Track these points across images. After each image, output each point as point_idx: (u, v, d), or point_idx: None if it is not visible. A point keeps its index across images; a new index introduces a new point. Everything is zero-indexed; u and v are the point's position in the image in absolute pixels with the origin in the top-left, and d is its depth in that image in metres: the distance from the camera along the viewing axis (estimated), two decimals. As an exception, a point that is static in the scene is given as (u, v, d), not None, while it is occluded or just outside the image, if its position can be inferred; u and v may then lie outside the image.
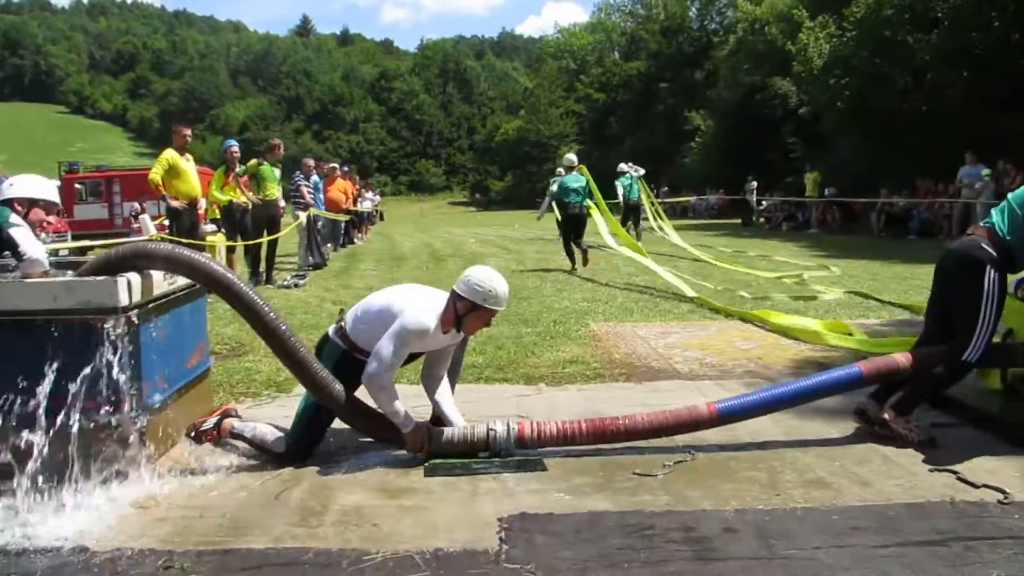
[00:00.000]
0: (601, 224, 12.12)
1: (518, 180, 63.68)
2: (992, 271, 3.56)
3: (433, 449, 3.57)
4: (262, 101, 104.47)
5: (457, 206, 73.76)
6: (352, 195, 18.00)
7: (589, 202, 11.67)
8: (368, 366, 3.48)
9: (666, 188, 38.15)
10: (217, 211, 10.70)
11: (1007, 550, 2.65)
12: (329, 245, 15.43)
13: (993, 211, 3.77)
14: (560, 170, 12.65)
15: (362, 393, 3.63)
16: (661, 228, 15.96)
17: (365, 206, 21.14)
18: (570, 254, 11.29)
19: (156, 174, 8.68)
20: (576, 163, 12.18)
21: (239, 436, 3.76)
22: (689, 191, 34.56)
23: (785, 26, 26.76)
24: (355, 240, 18.66)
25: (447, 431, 3.61)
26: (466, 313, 3.55)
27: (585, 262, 11.10)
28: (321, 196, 14.09)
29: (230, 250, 10.44)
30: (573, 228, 11.39)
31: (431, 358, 3.80)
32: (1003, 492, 3.09)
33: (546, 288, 9.36)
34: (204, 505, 3.16)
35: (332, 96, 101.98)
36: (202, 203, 9.63)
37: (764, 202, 24.97)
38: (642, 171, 16.32)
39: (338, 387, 3.53)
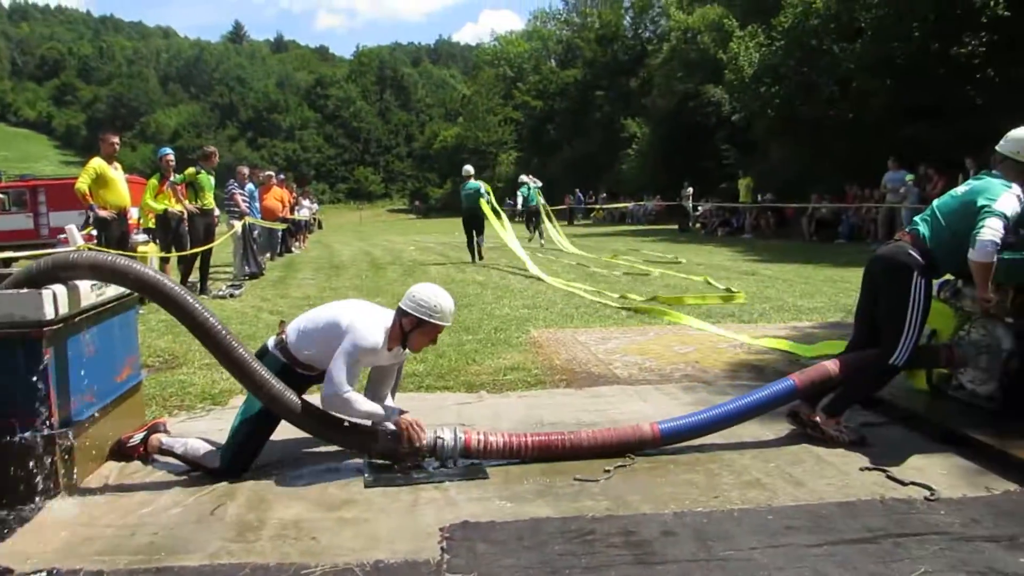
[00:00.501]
0: (503, 232, 13.98)
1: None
2: (919, 276, 3.69)
3: (380, 449, 3.55)
4: (194, 108, 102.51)
5: (396, 213, 73.35)
6: (289, 203, 17.75)
7: (484, 204, 13.80)
8: (325, 389, 3.45)
9: (604, 194, 38.61)
10: (151, 220, 10.42)
11: (934, 546, 2.73)
12: (267, 254, 15.19)
13: (917, 218, 3.91)
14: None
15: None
16: (543, 233, 18.37)
17: (302, 214, 20.87)
18: (471, 249, 13.88)
19: (83, 183, 8.41)
20: (471, 172, 14.49)
21: (168, 452, 3.66)
22: (627, 197, 34.99)
23: (716, 35, 27.33)
24: (293, 249, 18.39)
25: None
26: (412, 329, 3.55)
27: (480, 256, 13.80)
28: (256, 205, 13.83)
29: (164, 261, 10.20)
30: (471, 226, 13.85)
31: (375, 376, 3.77)
32: (930, 489, 3.19)
33: (487, 295, 9.35)
34: (135, 523, 3.06)
35: (267, 103, 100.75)
36: (132, 213, 9.37)
37: (700, 208, 25.42)
38: (539, 183, 19.07)
39: (279, 386, 3.46)
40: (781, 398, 3.84)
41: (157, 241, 10.45)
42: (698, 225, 24.81)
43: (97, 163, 8.53)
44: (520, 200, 18.43)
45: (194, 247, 10.03)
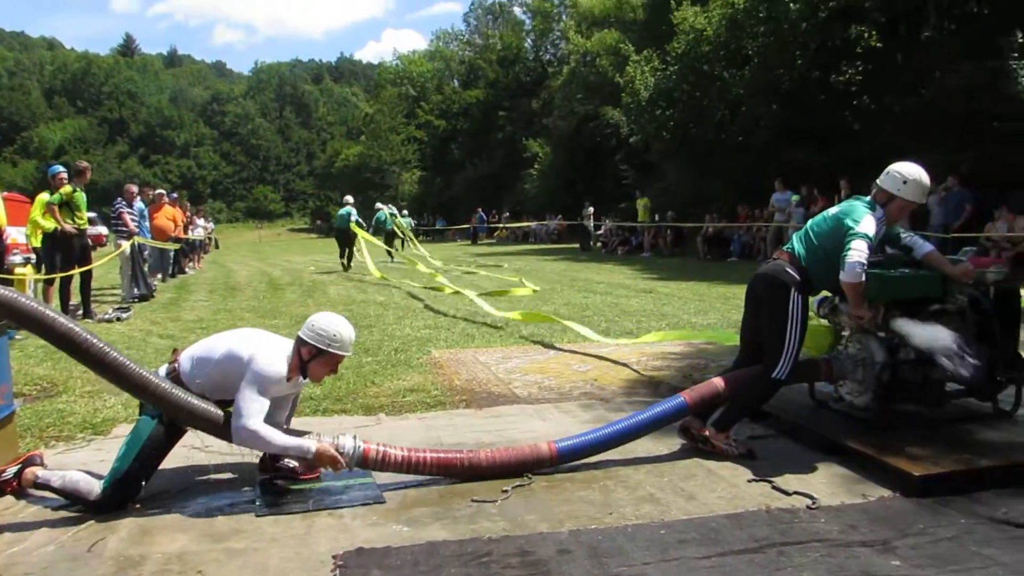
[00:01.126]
0: (367, 255, 16.85)
1: (361, 206, 63.07)
2: (796, 293, 3.86)
3: (272, 450, 3.47)
4: (81, 123, 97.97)
5: (297, 233, 72.08)
6: (182, 222, 17.19)
7: (354, 226, 17.33)
8: (234, 423, 3.32)
9: (507, 213, 38.97)
10: (38, 239, 9.83)
11: (815, 552, 2.84)
12: (158, 275, 14.65)
13: (794, 237, 4.10)
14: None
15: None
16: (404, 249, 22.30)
17: (197, 233, 20.24)
18: (342, 259, 17.64)
19: None
20: (350, 201, 18.15)
21: (45, 486, 3.46)
22: (530, 216, 35.38)
23: (614, 59, 28.02)
24: (187, 269, 17.79)
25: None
26: (311, 359, 3.50)
27: (347, 268, 17.15)
28: (146, 224, 13.31)
29: (48, 283, 9.70)
30: (341, 243, 17.81)
31: (272, 404, 3.67)
32: (811, 498, 3.33)
33: (388, 316, 9.26)
34: (5, 563, 2.88)
35: (160, 119, 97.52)
36: (9, 233, 8.86)
37: (600, 227, 25.92)
38: (394, 209, 23.81)
39: (165, 384, 3.36)
40: (673, 414, 3.94)
41: (42, 263, 9.95)
42: (599, 244, 25.28)
43: None
44: (373, 223, 21.63)
45: (71, 269, 9.56)
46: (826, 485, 3.51)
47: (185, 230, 17.81)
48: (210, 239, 27.48)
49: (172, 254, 15.87)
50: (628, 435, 3.87)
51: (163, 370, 3.56)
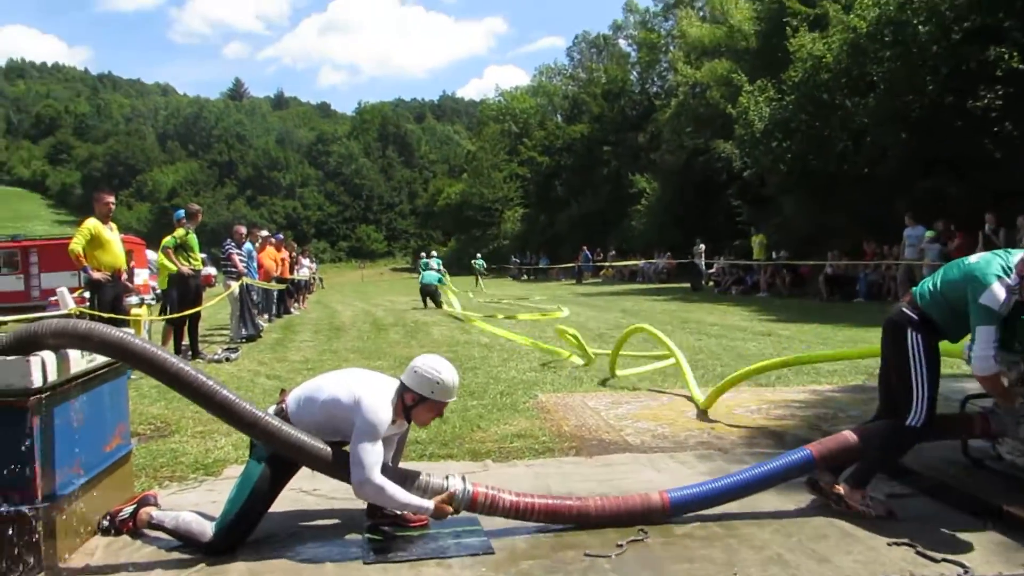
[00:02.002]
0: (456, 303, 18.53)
1: (463, 245, 64.06)
2: (913, 332, 3.68)
3: (393, 507, 3.54)
4: (192, 166, 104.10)
5: (399, 272, 73.88)
6: (287, 263, 17.91)
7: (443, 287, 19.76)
8: (356, 476, 3.40)
9: (613, 252, 38.81)
10: (164, 281, 10.68)
11: (970, 626, 2.65)
12: (264, 316, 15.23)
13: (924, 279, 3.91)
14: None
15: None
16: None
17: (302, 274, 20.98)
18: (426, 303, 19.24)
19: (77, 244, 8.39)
20: (435, 265, 21.50)
21: (159, 526, 3.60)
22: (637, 254, 35.12)
23: (725, 90, 27.71)
24: (292, 310, 18.44)
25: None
26: (415, 405, 3.57)
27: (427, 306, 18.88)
28: (254, 264, 13.95)
29: (170, 323, 10.33)
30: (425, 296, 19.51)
31: None
32: (963, 567, 3.11)
33: (493, 358, 9.33)
34: (121, 605, 3.00)
35: (267, 160, 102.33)
36: (129, 274, 9.48)
37: (712, 265, 25.47)
38: (438, 261, 24.20)
39: (274, 421, 3.45)
40: (799, 468, 3.78)
41: (163, 304, 10.69)
42: (711, 283, 24.83)
43: (92, 223, 8.52)
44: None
45: (186, 309, 10.13)
46: (980, 553, 3.28)
47: (291, 270, 18.51)
48: (315, 279, 28.46)
49: (276, 294, 16.52)
50: (747, 488, 3.73)
51: (271, 410, 3.67)
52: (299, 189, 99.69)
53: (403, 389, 3.57)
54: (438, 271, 21.50)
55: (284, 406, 3.64)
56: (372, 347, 10.77)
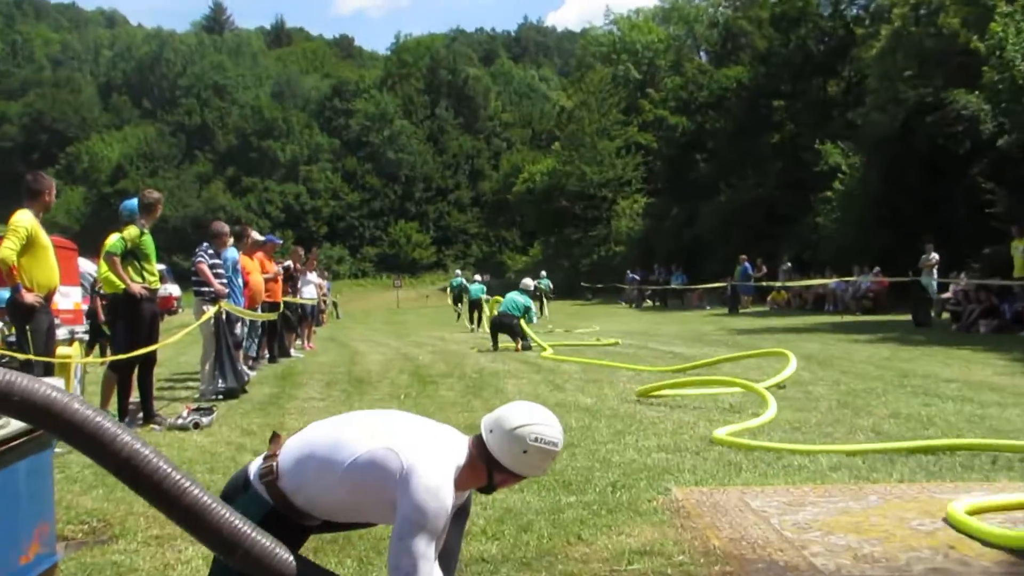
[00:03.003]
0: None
1: (553, 252, 64.25)
2: None
3: None
4: (148, 132, 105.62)
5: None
6: (291, 275, 18.14)
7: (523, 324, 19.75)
8: (398, 569, 3.41)
9: (787, 264, 38.24)
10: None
11: None
12: (250, 359, 15.38)
13: None
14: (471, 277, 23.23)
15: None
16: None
17: (307, 295, 21.24)
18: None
19: (11, 250, 8.35)
20: (530, 286, 21.57)
21: None
22: (826, 269, 34.53)
23: (968, 11, 27.18)
24: (292, 350, 18.66)
25: None
26: (500, 481, 3.72)
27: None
28: (239, 281, 14.05)
29: (113, 369, 10.34)
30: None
31: None
32: None
33: (600, 428, 9.25)
34: None
35: (258, 124, 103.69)
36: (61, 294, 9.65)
37: (948, 287, 24.88)
38: (468, 278, 29.14)
39: (266, 541, 3.39)
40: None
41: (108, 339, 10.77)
42: (946, 315, 24.27)
43: (29, 221, 8.52)
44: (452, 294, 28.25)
45: (135, 347, 10.15)
46: None
47: (292, 289, 18.74)
48: (326, 303, 28.91)
49: (267, 327, 16.67)
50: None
51: (254, 468, 3.69)
52: (304, 167, 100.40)
53: (485, 458, 3.64)
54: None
55: (275, 465, 3.64)
56: (415, 409, 10.80)
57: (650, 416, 10.07)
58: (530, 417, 3.62)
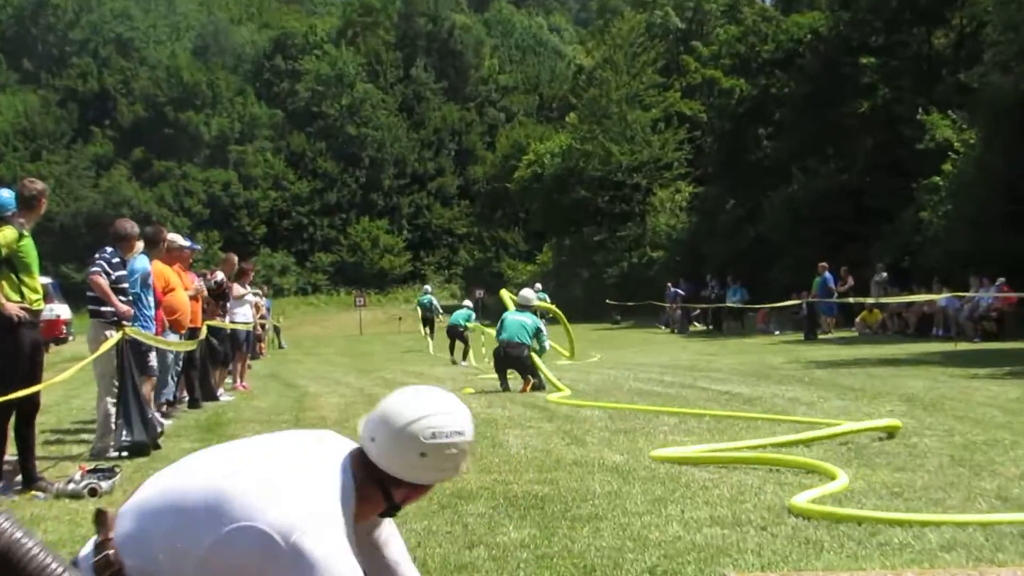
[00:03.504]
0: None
1: (568, 259, 64.23)
2: None
3: None
4: (27, 101, 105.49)
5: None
6: (222, 292, 18.15)
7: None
8: None
9: (883, 274, 38.16)
10: None
11: None
12: (163, 404, 15.38)
13: None
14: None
15: None
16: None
17: (240, 318, 21.23)
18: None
19: None
20: (530, 299, 20.72)
21: None
22: (935, 281, 34.48)
23: None
24: (219, 392, 18.66)
25: None
26: (407, 497, 3.80)
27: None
28: (150, 300, 14.02)
29: None
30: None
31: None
32: None
33: (633, 495, 9.23)
34: None
35: (174, 89, 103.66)
36: None
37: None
38: (433, 297, 32.23)
39: None
40: None
41: None
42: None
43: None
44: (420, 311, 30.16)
45: (9, 389, 10.11)
46: None
47: (221, 310, 18.74)
48: (264, 329, 28.87)
49: (179, 358, 16.65)
50: None
51: (86, 563, 3.68)
52: (236, 147, 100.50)
53: (375, 477, 3.66)
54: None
55: (111, 555, 3.61)
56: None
57: (700, 478, 10.05)
58: (420, 408, 3.64)
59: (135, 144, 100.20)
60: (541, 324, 20.18)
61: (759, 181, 51.61)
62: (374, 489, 3.65)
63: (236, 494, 3.53)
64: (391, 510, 3.77)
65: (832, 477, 9.01)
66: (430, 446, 3.57)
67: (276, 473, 3.62)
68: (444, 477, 3.78)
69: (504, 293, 23.82)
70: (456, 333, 29.29)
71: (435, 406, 3.67)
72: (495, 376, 19.84)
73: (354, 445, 3.77)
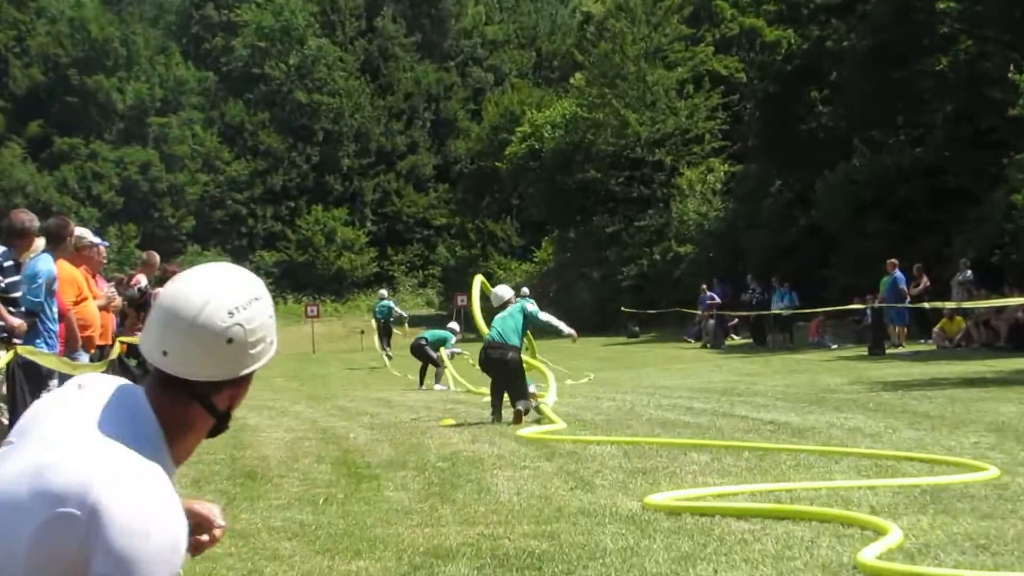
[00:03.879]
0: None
1: (573, 255, 64.39)
2: None
3: None
4: None
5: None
6: (145, 301, 18.19)
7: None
8: None
9: (967, 272, 38.21)
10: None
11: None
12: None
13: None
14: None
15: None
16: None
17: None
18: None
19: None
20: (505, 298, 20.57)
21: None
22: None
23: None
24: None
25: None
26: (232, 399, 3.76)
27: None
28: (53, 312, 14.02)
29: None
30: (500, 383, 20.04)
31: None
32: None
33: (654, 550, 9.25)
34: None
35: (81, 50, 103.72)
36: None
37: None
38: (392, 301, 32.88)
39: None
40: None
41: None
42: None
43: None
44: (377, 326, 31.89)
45: None
46: None
47: (139, 320, 18.77)
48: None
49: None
50: None
51: None
52: (157, 119, 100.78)
53: (186, 393, 3.60)
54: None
55: None
56: (338, 530, 10.78)
57: (736, 529, 10.06)
58: (200, 293, 3.58)
59: (31, 116, 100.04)
60: (528, 303, 21.22)
61: (811, 157, 51.63)
62: (187, 408, 3.61)
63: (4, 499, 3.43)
64: (221, 423, 3.75)
65: (883, 532, 8.96)
66: (232, 328, 3.55)
67: (39, 452, 3.47)
68: (263, 357, 3.72)
69: (478, 279, 24.82)
70: (423, 354, 29.14)
71: (215, 284, 3.62)
72: (485, 391, 20.51)
73: (123, 381, 3.70)
